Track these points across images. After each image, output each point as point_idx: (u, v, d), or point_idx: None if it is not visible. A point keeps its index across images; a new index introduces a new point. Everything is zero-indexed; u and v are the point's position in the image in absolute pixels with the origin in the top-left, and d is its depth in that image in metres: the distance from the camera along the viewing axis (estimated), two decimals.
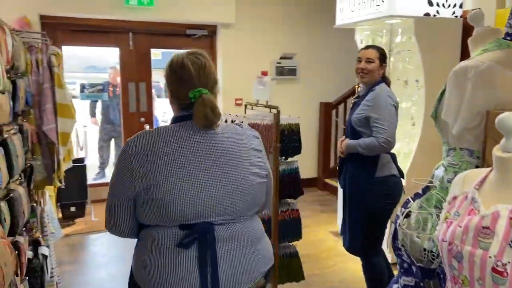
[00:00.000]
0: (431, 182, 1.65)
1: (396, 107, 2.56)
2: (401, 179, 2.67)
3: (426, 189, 1.59)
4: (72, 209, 4.79)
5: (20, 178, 1.97)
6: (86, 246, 4.22)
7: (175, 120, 1.46)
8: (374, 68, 2.60)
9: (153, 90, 7.17)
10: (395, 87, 4.06)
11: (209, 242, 1.35)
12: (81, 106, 6.48)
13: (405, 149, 4.06)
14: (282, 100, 5.85)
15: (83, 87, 5.19)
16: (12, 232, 1.69)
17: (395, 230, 1.56)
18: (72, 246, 4.22)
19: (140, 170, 1.34)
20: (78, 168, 4.75)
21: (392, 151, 2.54)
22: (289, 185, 3.00)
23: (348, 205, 2.74)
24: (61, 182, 2.78)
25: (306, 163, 6.08)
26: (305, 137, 6.04)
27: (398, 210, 1.61)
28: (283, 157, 3.02)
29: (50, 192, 4.03)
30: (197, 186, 1.35)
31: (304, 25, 5.86)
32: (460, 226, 1.19)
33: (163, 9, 5.03)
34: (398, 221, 1.53)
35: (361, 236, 2.67)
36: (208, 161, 1.39)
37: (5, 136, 1.74)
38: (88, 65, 11.43)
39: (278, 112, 2.82)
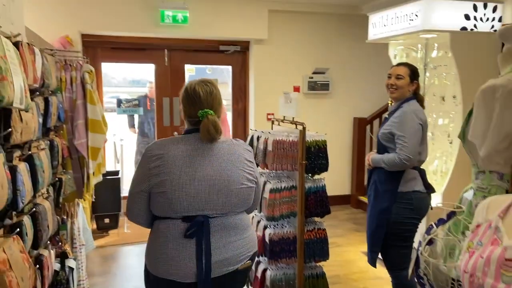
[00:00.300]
0: (458, 207, 1.56)
1: (422, 125, 2.55)
2: (429, 194, 2.65)
3: (452, 214, 1.50)
4: (106, 220, 4.91)
5: (47, 192, 2.04)
6: (117, 258, 4.30)
7: (186, 132, 1.83)
8: (403, 85, 2.62)
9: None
10: (432, 103, 3.93)
11: (205, 232, 1.70)
12: (118, 120, 6.71)
13: (443, 168, 3.90)
14: (315, 115, 5.85)
15: (119, 102, 5.34)
16: (36, 245, 1.74)
17: (417, 257, 1.48)
18: (105, 257, 4.32)
19: (155, 169, 1.71)
20: (113, 180, 4.89)
21: (430, 168, 2.50)
22: (316, 203, 2.94)
23: (370, 216, 2.74)
24: (91, 196, 2.85)
25: (338, 179, 5.97)
26: (338, 153, 6.04)
27: (420, 236, 1.52)
28: (309, 175, 2.97)
29: (84, 204, 4.16)
30: (198, 186, 1.71)
31: (337, 39, 5.80)
32: (482, 257, 1.10)
33: (197, 26, 5.14)
34: (420, 248, 1.45)
35: (381, 248, 2.68)
36: (208, 166, 1.74)
37: (32, 152, 1.80)
38: (131, 79, 11.84)
39: (304, 128, 2.79)
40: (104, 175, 5.00)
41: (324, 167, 2.94)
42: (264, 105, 5.59)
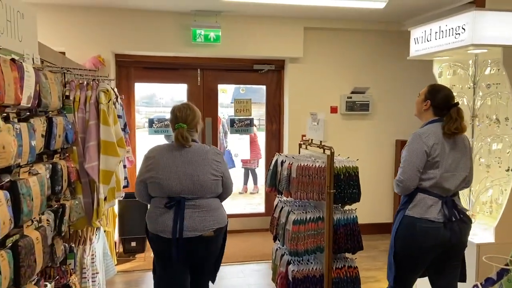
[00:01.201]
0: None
1: (428, 151, 2.46)
2: (445, 226, 2.45)
3: (505, 272, 1.16)
4: (133, 243, 4.77)
5: (39, 221, 1.87)
6: (140, 284, 4.12)
7: (172, 141, 2.62)
8: (417, 102, 2.70)
9: (225, 126, 7.20)
10: (484, 126, 3.51)
11: (180, 208, 2.47)
12: (150, 140, 6.66)
13: (500, 199, 3.43)
14: (353, 137, 5.50)
15: (151, 122, 5.28)
16: (17, 283, 1.56)
17: None
18: (127, 283, 4.15)
19: (149, 166, 2.54)
20: (140, 203, 4.73)
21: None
22: (346, 237, 2.61)
23: None
24: (100, 223, 2.68)
25: (379, 206, 5.56)
26: (378, 178, 5.63)
27: None
28: (339, 205, 2.66)
29: (107, 228, 4.03)
30: (176, 178, 2.49)
31: (378, 57, 5.47)
32: None
33: (230, 45, 5.00)
34: None
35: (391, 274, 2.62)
36: (183, 164, 2.52)
37: (19, 178, 1.64)
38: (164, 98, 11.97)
39: (332, 153, 2.50)
40: (129, 196, 4.92)
41: (355, 197, 2.62)
42: (299, 127, 5.30)
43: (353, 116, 5.54)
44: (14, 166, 1.58)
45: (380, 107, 5.55)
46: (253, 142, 7.44)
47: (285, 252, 2.72)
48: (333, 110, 5.49)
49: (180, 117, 2.58)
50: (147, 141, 5.00)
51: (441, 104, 2.54)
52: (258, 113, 7.20)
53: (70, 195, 2.46)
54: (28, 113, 1.76)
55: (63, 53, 4.59)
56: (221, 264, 2.81)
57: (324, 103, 5.41)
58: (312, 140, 2.83)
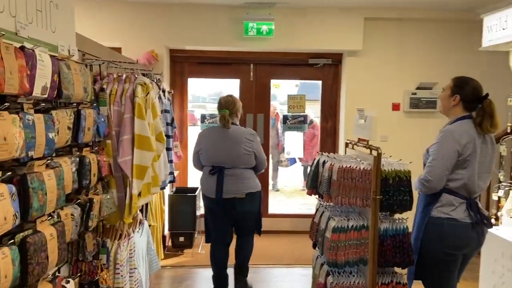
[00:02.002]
0: None
1: (460, 150, 2.30)
2: (473, 225, 2.34)
3: None
4: (181, 238, 4.76)
5: (58, 216, 1.81)
6: (184, 280, 4.08)
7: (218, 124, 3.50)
8: (442, 97, 2.55)
9: (278, 123, 7.02)
10: None
11: (220, 175, 3.30)
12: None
13: None
14: (417, 137, 5.02)
15: (203, 117, 5.24)
16: (24, 281, 1.50)
17: None
18: (172, 278, 4.13)
19: (200, 141, 3.46)
20: (188, 197, 4.73)
21: None
22: (394, 250, 2.32)
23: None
24: (133, 218, 2.63)
25: None
26: None
27: None
28: (387, 213, 2.36)
29: (153, 222, 4.02)
30: (217, 151, 3.35)
31: (447, 49, 4.95)
32: None
33: (284, 38, 4.79)
34: None
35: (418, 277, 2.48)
36: (223, 141, 3.34)
37: (33, 171, 1.58)
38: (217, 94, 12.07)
39: (379, 154, 2.21)
40: (180, 191, 4.92)
41: (406, 205, 2.31)
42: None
43: (418, 114, 5.08)
44: (24, 159, 1.52)
45: None
46: (314, 138, 7.15)
47: (324, 262, 2.48)
48: (395, 107, 5.08)
49: (224, 104, 3.42)
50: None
51: (471, 97, 2.39)
52: (315, 110, 6.93)
53: (102, 189, 2.41)
54: (43, 104, 1.69)
55: (119, 49, 4.69)
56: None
57: (385, 99, 5.02)
58: (359, 139, 2.55)
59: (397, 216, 2.39)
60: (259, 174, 3.51)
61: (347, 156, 2.47)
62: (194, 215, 4.74)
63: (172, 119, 4.03)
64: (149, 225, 3.76)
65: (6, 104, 1.35)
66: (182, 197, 4.75)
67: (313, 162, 2.62)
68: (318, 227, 2.50)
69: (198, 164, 3.52)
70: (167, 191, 4.82)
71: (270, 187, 7.94)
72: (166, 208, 4.71)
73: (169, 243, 4.87)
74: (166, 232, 4.84)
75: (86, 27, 4.42)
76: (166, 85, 4.88)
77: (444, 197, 2.35)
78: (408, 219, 2.38)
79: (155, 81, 3.91)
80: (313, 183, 2.55)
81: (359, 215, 2.38)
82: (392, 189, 2.29)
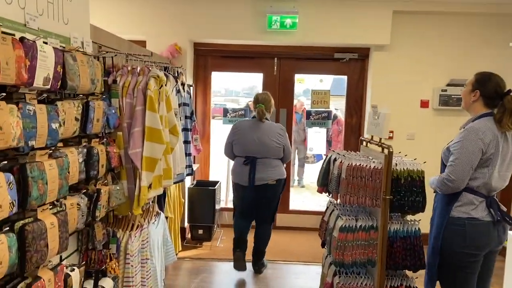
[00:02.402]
0: None
1: (484, 149, 2.23)
2: (494, 224, 2.28)
3: None
4: (200, 231, 4.79)
5: (61, 205, 1.85)
6: (201, 272, 4.11)
7: (252, 117, 3.94)
8: (464, 93, 2.49)
9: (303, 119, 6.92)
10: None
11: (253, 164, 3.74)
12: (224, 130, 6.67)
13: None
14: (447, 136, 4.79)
15: (226, 112, 5.24)
16: (23, 267, 1.53)
17: None
18: (189, 270, 4.17)
19: (235, 132, 3.87)
20: (208, 191, 4.75)
21: None
22: (404, 252, 2.23)
23: (429, 242, 2.45)
24: (148, 210, 2.65)
25: None
26: None
27: None
28: (398, 214, 2.27)
29: (170, 214, 4.07)
30: (251, 143, 3.77)
31: (480, 44, 4.71)
32: None
33: (308, 32, 4.70)
34: None
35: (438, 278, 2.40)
36: (257, 133, 3.76)
37: (33, 161, 1.62)
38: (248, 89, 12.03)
39: (390, 153, 2.12)
40: (200, 184, 4.95)
41: (418, 206, 2.22)
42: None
43: (448, 112, 4.88)
44: (24, 148, 1.55)
45: None
46: (340, 134, 7.03)
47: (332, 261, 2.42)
48: (424, 104, 4.90)
49: (261, 100, 3.89)
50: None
51: (492, 93, 2.33)
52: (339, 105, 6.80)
53: (112, 180, 2.44)
54: (45, 95, 1.72)
55: (144, 42, 4.75)
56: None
57: (413, 96, 4.86)
58: (372, 137, 2.47)
59: (409, 217, 2.29)
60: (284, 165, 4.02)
61: (358, 154, 2.39)
62: (213, 209, 4.76)
63: (192, 112, 4.03)
64: (166, 217, 3.80)
65: (2, 94, 1.37)
66: (202, 190, 4.77)
67: (324, 159, 2.55)
68: (327, 226, 2.44)
69: (231, 154, 3.94)
70: (187, 183, 4.86)
71: (296, 183, 7.91)
72: (186, 200, 4.76)
73: (188, 235, 4.92)
74: (186, 224, 4.88)
75: (111, 21, 4.51)
76: (189, 79, 4.92)
77: (464, 196, 2.29)
78: (420, 221, 2.28)
79: (177, 74, 3.94)
80: (324, 181, 2.49)
81: (369, 215, 2.30)
82: (404, 189, 2.20)
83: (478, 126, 2.28)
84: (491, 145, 2.24)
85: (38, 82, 1.61)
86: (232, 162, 4.12)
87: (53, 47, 1.70)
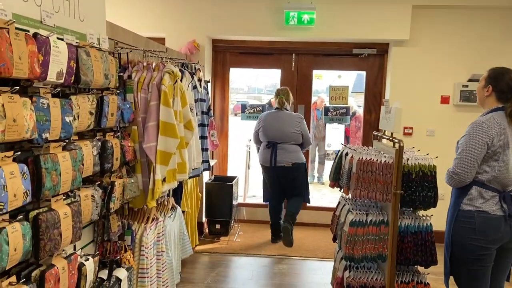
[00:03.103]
0: None
1: (489, 142, 2.22)
2: (505, 219, 2.25)
3: None
4: (217, 226, 4.85)
5: (74, 196, 1.91)
6: (216, 266, 4.16)
7: (275, 108, 4.62)
8: (478, 89, 2.47)
9: (321, 115, 6.88)
10: None
11: (274, 148, 4.41)
12: (242, 126, 6.71)
13: None
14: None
15: (244, 108, 5.27)
16: (37, 255, 1.60)
17: None
18: (205, 264, 4.23)
19: (260, 121, 4.59)
20: (225, 186, 4.80)
21: None
22: (415, 248, 2.21)
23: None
24: (156, 203, 2.70)
25: None
26: None
27: None
28: (410, 209, 2.25)
29: (186, 208, 4.12)
30: (273, 130, 4.45)
31: (502, 39, 4.58)
32: None
33: (326, 27, 4.68)
34: None
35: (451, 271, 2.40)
36: (278, 122, 4.45)
37: (47, 153, 1.68)
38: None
39: (401, 147, 2.10)
40: (218, 180, 5.00)
41: (429, 201, 2.20)
42: (403, 118, 4.74)
43: (470, 108, 4.76)
44: (38, 140, 1.61)
45: None
46: (358, 131, 6.97)
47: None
48: (444, 100, 4.80)
49: (281, 92, 4.57)
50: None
51: (505, 88, 2.31)
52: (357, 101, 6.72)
53: (126, 173, 2.51)
54: (58, 89, 1.78)
55: (163, 39, 4.82)
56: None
57: (433, 92, 4.77)
58: (384, 131, 2.45)
59: (421, 213, 2.27)
60: (305, 150, 4.65)
61: (370, 149, 2.38)
62: (230, 204, 4.80)
63: (208, 108, 4.09)
64: (183, 211, 3.86)
65: (16, 87, 1.43)
66: (219, 185, 4.82)
67: (337, 154, 2.55)
68: (338, 220, 2.44)
69: (258, 141, 4.60)
70: (205, 178, 4.92)
71: (316, 179, 7.88)
72: (204, 195, 4.82)
73: (206, 230, 4.98)
74: (204, 219, 4.95)
75: (131, 18, 4.60)
76: (207, 75, 4.97)
77: (474, 190, 2.29)
78: (432, 216, 2.25)
79: (194, 70, 3.99)
80: (336, 175, 2.49)
81: (380, 210, 2.29)
82: (415, 184, 2.18)
83: (484, 120, 2.30)
84: (498, 138, 2.23)
85: (52, 77, 1.67)
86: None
87: (66, 43, 1.76)
